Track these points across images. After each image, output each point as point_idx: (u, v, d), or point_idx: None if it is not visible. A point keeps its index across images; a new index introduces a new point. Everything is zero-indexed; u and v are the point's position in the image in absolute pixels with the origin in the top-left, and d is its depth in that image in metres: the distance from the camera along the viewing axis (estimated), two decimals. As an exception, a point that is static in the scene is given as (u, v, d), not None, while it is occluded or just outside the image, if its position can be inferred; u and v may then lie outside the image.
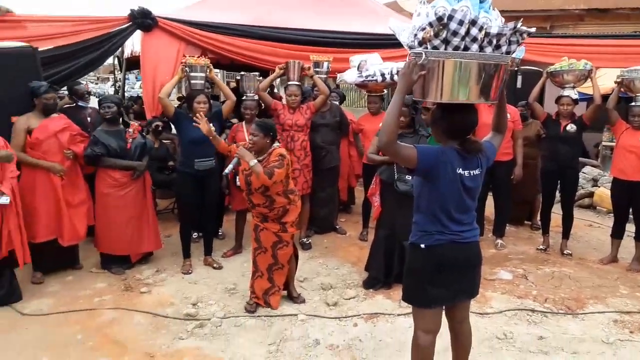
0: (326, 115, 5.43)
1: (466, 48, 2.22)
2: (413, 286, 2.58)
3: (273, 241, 3.83)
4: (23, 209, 4.16)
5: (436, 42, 2.22)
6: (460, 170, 2.40)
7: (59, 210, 4.33)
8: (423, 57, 2.21)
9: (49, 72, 4.84)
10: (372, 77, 5.09)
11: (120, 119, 4.84)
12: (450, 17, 2.16)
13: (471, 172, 2.43)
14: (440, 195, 2.41)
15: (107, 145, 4.38)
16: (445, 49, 2.22)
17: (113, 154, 4.42)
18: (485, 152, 2.48)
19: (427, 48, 2.25)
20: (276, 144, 3.80)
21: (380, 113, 5.40)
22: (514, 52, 2.34)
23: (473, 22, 2.18)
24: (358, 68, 5.15)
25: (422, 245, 2.49)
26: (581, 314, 3.92)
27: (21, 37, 4.74)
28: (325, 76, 5.43)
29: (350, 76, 5.24)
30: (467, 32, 2.19)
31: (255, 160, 3.59)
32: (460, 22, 2.17)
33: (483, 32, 2.20)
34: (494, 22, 2.23)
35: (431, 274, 2.49)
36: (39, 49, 4.69)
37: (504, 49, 2.27)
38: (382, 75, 5.06)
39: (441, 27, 2.19)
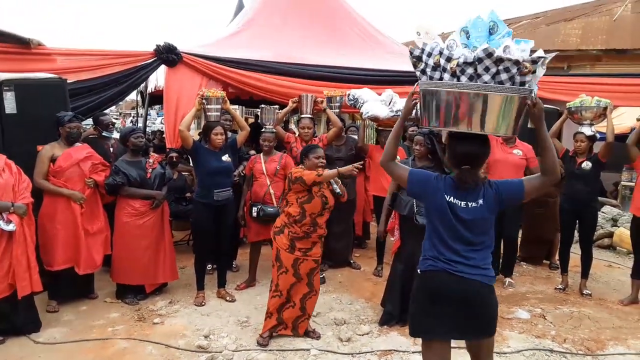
0: (342, 149, 5.46)
1: (456, 76, 2.32)
2: (411, 313, 2.57)
3: (310, 268, 3.90)
4: (43, 236, 4.25)
5: (429, 72, 2.40)
6: (450, 199, 2.41)
7: (77, 239, 4.37)
8: (414, 86, 2.49)
9: (76, 104, 4.96)
10: None
11: (148, 150, 4.99)
12: (422, 51, 2.42)
13: (468, 203, 2.40)
14: (432, 220, 2.49)
15: (128, 175, 4.46)
16: (440, 78, 2.37)
17: (133, 184, 4.49)
18: (492, 188, 2.42)
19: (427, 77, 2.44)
20: None
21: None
22: (505, 82, 2.25)
23: (441, 54, 2.33)
24: (389, 103, 5.15)
25: (419, 270, 2.51)
26: (601, 355, 3.82)
27: (51, 69, 4.87)
28: (337, 110, 5.48)
29: (382, 111, 5.14)
30: (438, 64, 2.35)
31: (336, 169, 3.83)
32: (429, 55, 2.38)
33: (453, 63, 2.30)
34: (473, 52, 2.27)
35: (424, 302, 2.46)
36: (68, 81, 4.81)
37: (485, 77, 2.25)
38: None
39: (415, 61, 2.47)
